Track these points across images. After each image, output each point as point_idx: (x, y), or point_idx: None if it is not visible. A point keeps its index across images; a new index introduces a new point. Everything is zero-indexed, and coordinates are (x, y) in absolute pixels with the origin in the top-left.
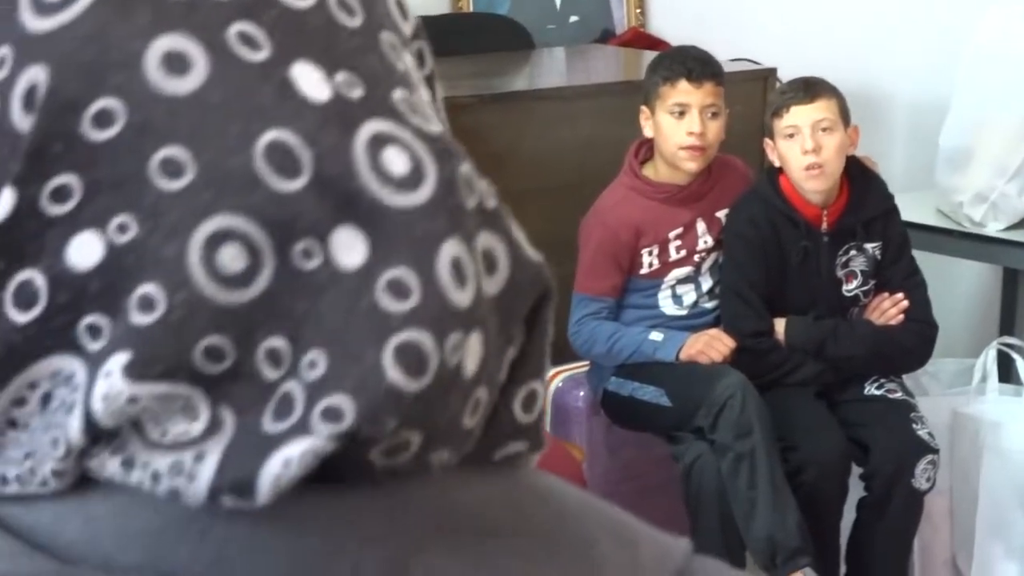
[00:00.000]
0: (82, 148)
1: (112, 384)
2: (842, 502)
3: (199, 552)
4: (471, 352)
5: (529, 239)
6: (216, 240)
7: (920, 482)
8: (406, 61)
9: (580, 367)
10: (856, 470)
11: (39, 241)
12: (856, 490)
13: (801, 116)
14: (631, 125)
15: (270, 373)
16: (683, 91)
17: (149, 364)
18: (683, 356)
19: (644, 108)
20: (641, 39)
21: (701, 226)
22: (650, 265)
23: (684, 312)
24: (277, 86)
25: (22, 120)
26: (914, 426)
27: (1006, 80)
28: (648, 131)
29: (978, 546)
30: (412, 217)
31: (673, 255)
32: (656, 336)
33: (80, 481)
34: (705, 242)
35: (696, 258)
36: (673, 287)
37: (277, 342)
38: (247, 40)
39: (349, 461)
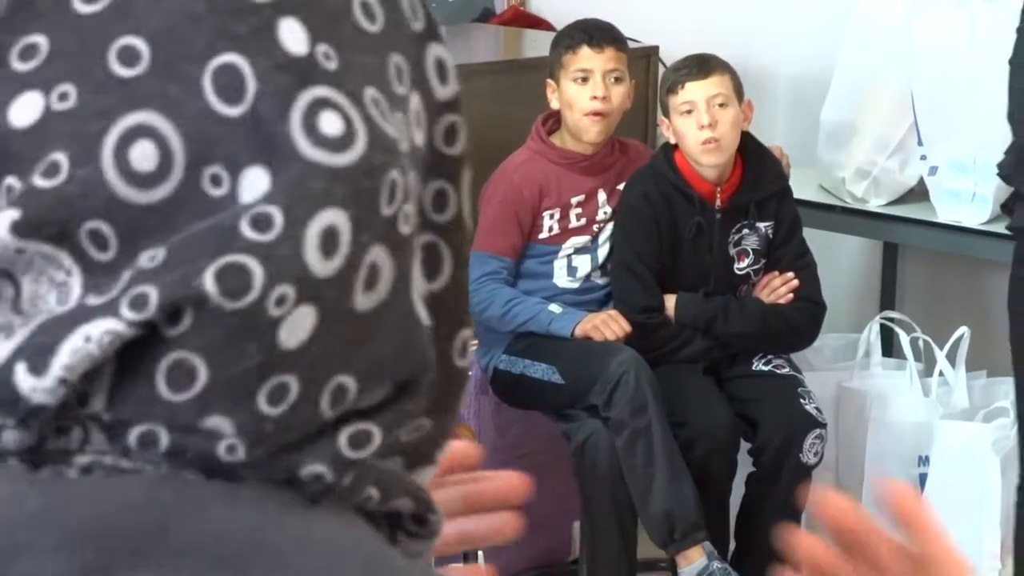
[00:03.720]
0: (64, 14)
1: None
2: (731, 477)
3: None
4: (298, 322)
5: None
6: (137, 133)
7: (808, 456)
8: (411, 97)
9: None
10: (745, 445)
11: None
12: (745, 465)
13: (696, 92)
14: (513, 104)
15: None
16: (585, 57)
17: (36, 225)
18: (578, 331)
19: (550, 81)
20: (521, 18)
21: (602, 196)
22: (550, 229)
23: (576, 285)
24: (261, 23)
25: None
26: (802, 401)
27: (886, 55)
28: (554, 103)
29: None
30: (317, 172)
31: (573, 222)
32: (555, 308)
33: None
34: (605, 212)
35: (595, 228)
36: (570, 256)
37: (153, 252)
38: None
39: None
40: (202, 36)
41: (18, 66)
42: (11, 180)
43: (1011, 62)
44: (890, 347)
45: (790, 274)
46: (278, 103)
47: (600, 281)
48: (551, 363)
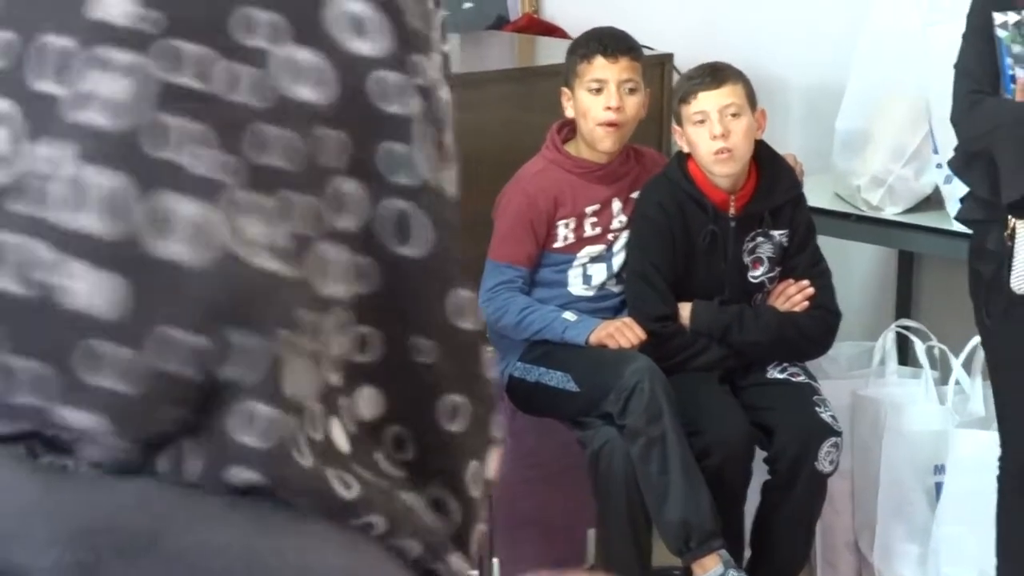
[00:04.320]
0: None
1: None
2: (746, 486)
3: None
4: (89, 285)
5: None
6: None
7: (824, 464)
8: (289, 52)
9: None
10: (760, 454)
11: None
12: (760, 473)
13: (709, 102)
14: (527, 111)
15: None
16: (599, 67)
17: None
18: (593, 339)
19: (565, 89)
20: (535, 25)
21: (617, 205)
22: (565, 239)
23: (591, 293)
24: None
25: None
26: (817, 409)
27: (901, 63)
28: (569, 111)
29: (880, 528)
30: (84, 136)
31: (588, 231)
32: (569, 316)
33: None
34: (620, 221)
35: (610, 236)
36: (585, 265)
37: None
38: None
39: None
40: (39, 17)
41: None
42: None
43: (956, 67)
44: (905, 355)
45: (805, 282)
46: (67, 69)
47: (615, 289)
48: (566, 371)
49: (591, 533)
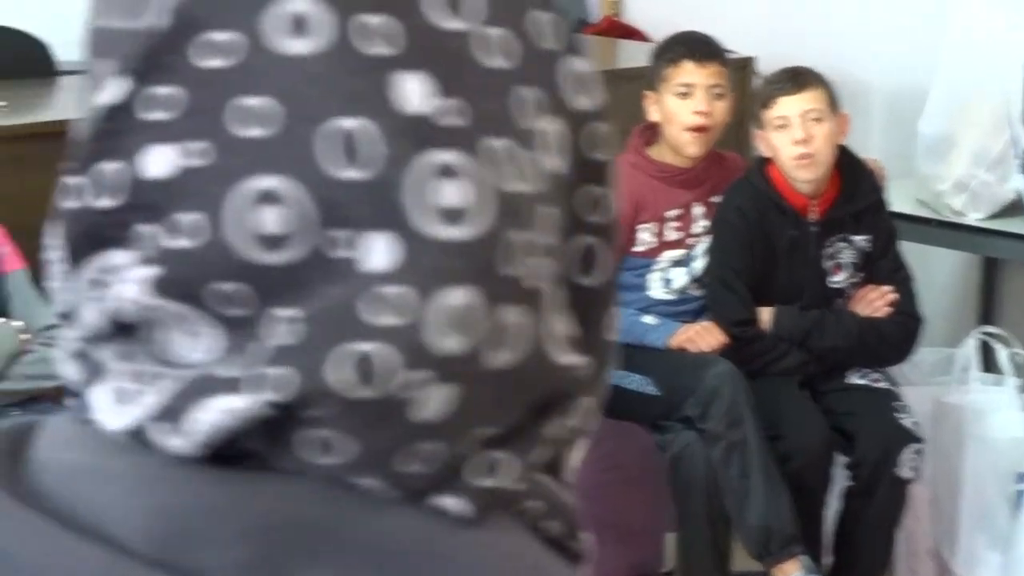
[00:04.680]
0: (193, 68)
1: (133, 290)
2: (825, 491)
3: None
4: (436, 400)
5: None
6: (265, 196)
7: (905, 471)
8: (544, 125)
9: None
10: (841, 460)
11: (129, 138)
12: (841, 480)
13: (790, 106)
14: (608, 114)
15: (267, 336)
16: (688, 71)
17: (172, 284)
18: (673, 343)
19: (649, 93)
20: (616, 28)
21: (698, 210)
22: (646, 243)
23: (672, 296)
24: (381, 81)
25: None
26: (897, 415)
27: (985, 66)
28: (654, 115)
29: (963, 536)
30: (439, 248)
31: (669, 235)
32: (650, 320)
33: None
34: (701, 226)
35: (691, 240)
36: (665, 269)
37: (287, 312)
38: (375, 32)
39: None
40: (324, 97)
41: (147, 116)
42: (144, 228)
43: None
44: (988, 362)
45: (887, 287)
46: (398, 170)
47: (695, 293)
48: (646, 374)
49: (670, 537)
